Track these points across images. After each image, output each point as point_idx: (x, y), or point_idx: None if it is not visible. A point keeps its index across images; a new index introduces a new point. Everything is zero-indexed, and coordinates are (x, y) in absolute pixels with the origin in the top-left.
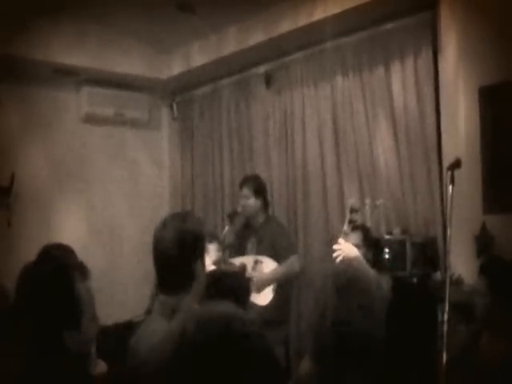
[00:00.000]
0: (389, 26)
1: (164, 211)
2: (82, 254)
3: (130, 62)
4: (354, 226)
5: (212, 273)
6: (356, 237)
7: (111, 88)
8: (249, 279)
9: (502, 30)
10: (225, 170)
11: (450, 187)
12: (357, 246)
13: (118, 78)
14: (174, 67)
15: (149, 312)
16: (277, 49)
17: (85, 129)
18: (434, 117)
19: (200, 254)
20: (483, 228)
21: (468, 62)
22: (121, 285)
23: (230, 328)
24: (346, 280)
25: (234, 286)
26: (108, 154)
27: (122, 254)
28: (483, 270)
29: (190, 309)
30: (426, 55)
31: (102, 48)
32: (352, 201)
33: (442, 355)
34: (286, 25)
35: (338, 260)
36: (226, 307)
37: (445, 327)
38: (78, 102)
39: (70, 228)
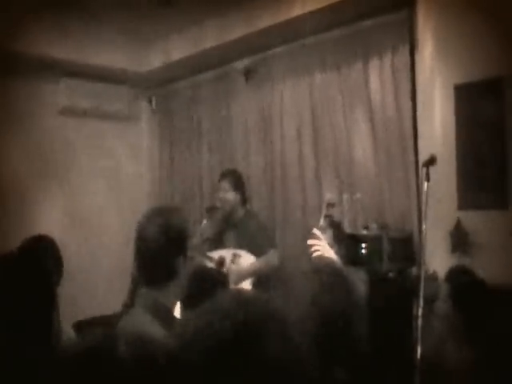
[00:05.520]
0: (367, 23)
1: (143, 204)
2: (61, 246)
3: (109, 55)
4: (332, 222)
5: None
6: (334, 233)
7: (90, 81)
8: (225, 275)
9: (477, 28)
10: (204, 163)
11: (426, 184)
12: (335, 243)
13: (97, 71)
14: (154, 60)
15: (127, 305)
16: (256, 44)
17: (64, 121)
18: (411, 113)
19: (183, 249)
20: (458, 224)
21: (444, 60)
22: (100, 276)
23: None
24: (326, 276)
25: (211, 281)
26: (87, 147)
27: (101, 246)
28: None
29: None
30: (403, 52)
31: (82, 41)
32: (329, 195)
33: (416, 349)
34: (266, 20)
35: (314, 256)
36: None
37: (419, 322)
38: (56, 94)
39: (49, 220)
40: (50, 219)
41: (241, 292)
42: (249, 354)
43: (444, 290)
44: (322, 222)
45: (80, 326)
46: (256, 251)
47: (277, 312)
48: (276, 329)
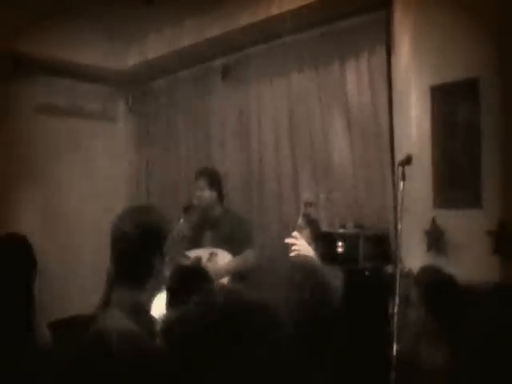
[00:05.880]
0: (344, 23)
1: (119, 203)
2: (36, 244)
3: (86, 53)
4: (309, 221)
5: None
6: (312, 232)
7: (67, 79)
8: (207, 271)
9: (454, 29)
10: (181, 162)
11: (402, 183)
12: (312, 242)
13: (75, 69)
14: (131, 58)
15: (103, 304)
16: (234, 42)
17: (40, 120)
18: (387, 113)
19: (159, 247)
20: (433, 223)
21: (420, 61)
22: (76, 276)
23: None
24: (304, 274)
25: (198, 278)
26: (63, 146)
27: (77, 245)
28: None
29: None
30: (379, 53)
31: (58, 38)
32: (306, 194)
33: (392, 346)
34: (243, 19)
35: (293, 255)
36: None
37: (395, 319)
38: (32, 92)
39: (25, 219)
40: (25, 218)
41: (223, 287)
42: (228, 347)
43: (415, 288)
44: (299, 220)
45: (56, 325)
46: (233, 250)
47: (255, 305)
48: (255, 322)
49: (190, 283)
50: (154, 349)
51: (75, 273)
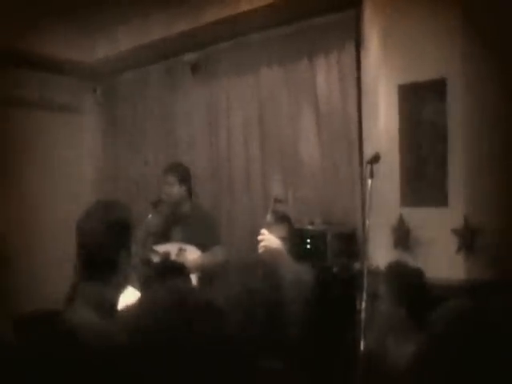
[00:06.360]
0: (314, 20)
1: (87, 197)
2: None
3: (54, 44)
4: (278, 217)
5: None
6: (281, 228)
7: (35, 71)
8: (183, 263)
9: (422, 29)
10: (149, 157)
11: (370, 180)
12: (282, 238)
13: (42, 61)
14: (100, 51)
15: (69, 299)
16: (204, 38)
17: (5, 112)
18: (356, 111)
19: (126, 242)
20: (400, 220)
21: (389, 60)
22: (43, 271)
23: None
24: (261, 274)
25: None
26: (30, 139)
27: (43, 240)
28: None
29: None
30: (349, 51)
31: (26, 29)
32: (276, 191)
33: (359, 343)
34: (213, 14)
35: (260, 251)
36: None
37: (362, 315)
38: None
39: None
40: None
41: (176, 285)
42: (181, 345)
43: (383, 284)
44: (268, 217)
45: (21, 320)
46: (202, 246)
47: (211, 304)
48: (210, 321)
49: (161, 277)
50: (119, 343)
51: (42, 267)
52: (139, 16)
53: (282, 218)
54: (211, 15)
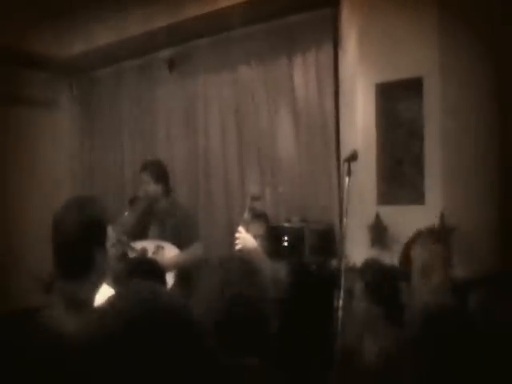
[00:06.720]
0: (292, 18)
1: (62, 194)
2: None
3: (29, 39)
4: (255, 215)
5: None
6: (258, 226)
7: (9, 65)
8: (158, 262)
9: (400, 29)
10: (125, 153)
11: (347, 179)
12: (259, 235)
13: (18, 55)
14: (76, 46)
15: (46, 299)
16: (181, 34)
17: None
18: (333, 109)
19: (101, 240)
20: (377, 218)
21: (366, 59)
22: (20, 269)
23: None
24: (235, 272)
25: (150, 270)
26: (4, 135)
27: (21, 237)
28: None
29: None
30: (327, 50)
31: (1, 24)
32: (253, 189)
33: (337, 340)
34: (191, 10)
35: (237, 249)
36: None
37: (339, 313)
38: None
39: None
40: None
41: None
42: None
43: (359, 282)
44: (246, 214)
45: None
46: (180, 243)
47: (182, 305)
48: (180, 321)
49: (135, 274)
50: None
51: (19, 265)
52: (117, 11)
53: (259, 216)
54: (189, 11)
